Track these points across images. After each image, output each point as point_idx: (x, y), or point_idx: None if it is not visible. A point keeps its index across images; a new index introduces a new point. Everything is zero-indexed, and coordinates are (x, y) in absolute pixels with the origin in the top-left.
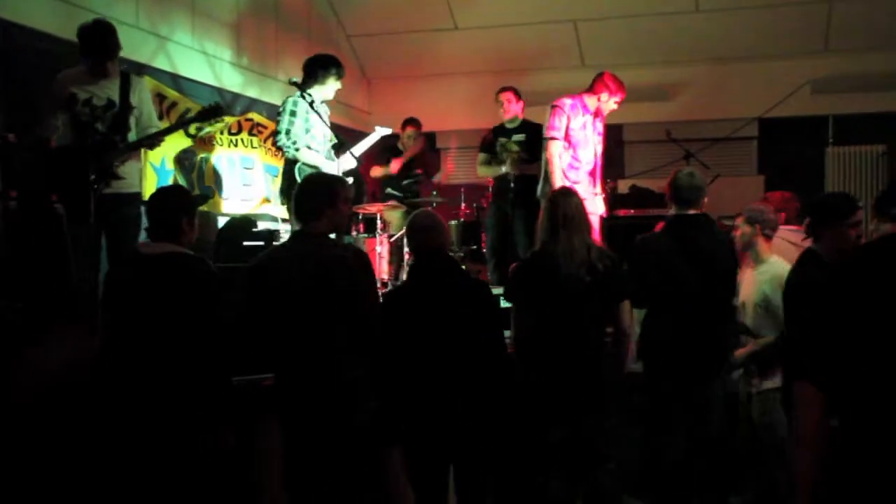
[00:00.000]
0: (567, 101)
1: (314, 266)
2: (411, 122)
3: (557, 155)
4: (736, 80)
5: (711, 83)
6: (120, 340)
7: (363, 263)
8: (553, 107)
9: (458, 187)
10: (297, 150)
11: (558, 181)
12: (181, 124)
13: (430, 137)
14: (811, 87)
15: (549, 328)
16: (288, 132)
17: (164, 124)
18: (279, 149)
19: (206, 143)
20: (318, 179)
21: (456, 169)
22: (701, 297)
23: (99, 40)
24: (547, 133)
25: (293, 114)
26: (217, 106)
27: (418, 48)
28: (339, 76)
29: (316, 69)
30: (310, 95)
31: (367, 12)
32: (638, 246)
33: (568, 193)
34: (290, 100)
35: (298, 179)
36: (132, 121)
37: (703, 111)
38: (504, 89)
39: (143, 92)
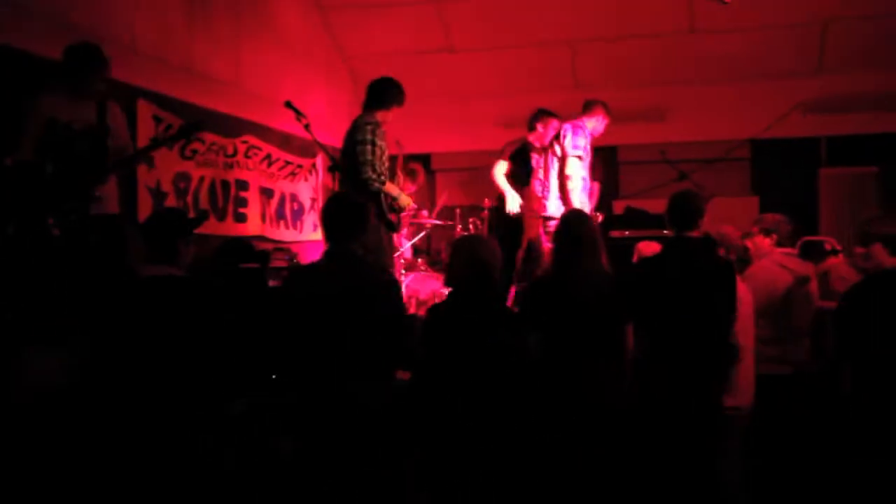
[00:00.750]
0: (584, 122)
1: (348, 286)
2: (413, 173)
3: (578, 174)
4: (729, 100)
5: (705, 104)
6: (116, 362)
7: (395, 288)
8: (575, 126)
9: (454, 209)
10: (382, 183)
11: (576, 200)
12: (158, 143)
13: (426, 159)
14: (804, 108)
15: (563, 349)
16: (373, 165)
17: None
18: (364, 182)
19: (205, 164)
20: (353, 202)
21: (451, 190)
22: (700, 320)
23: (83, 63)
24: (571, 151)
25: (374, 143)
26: (196, 123)
27: (415, 70)
28: (401, 104)
29: (388, 96)
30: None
31: (364, 34)
32: (636, 268)
33: (585, 215)
34: (368, 128)
35: (386, 210)
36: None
37: (697, 132)
38: (552, 114)
39: (117, 115)
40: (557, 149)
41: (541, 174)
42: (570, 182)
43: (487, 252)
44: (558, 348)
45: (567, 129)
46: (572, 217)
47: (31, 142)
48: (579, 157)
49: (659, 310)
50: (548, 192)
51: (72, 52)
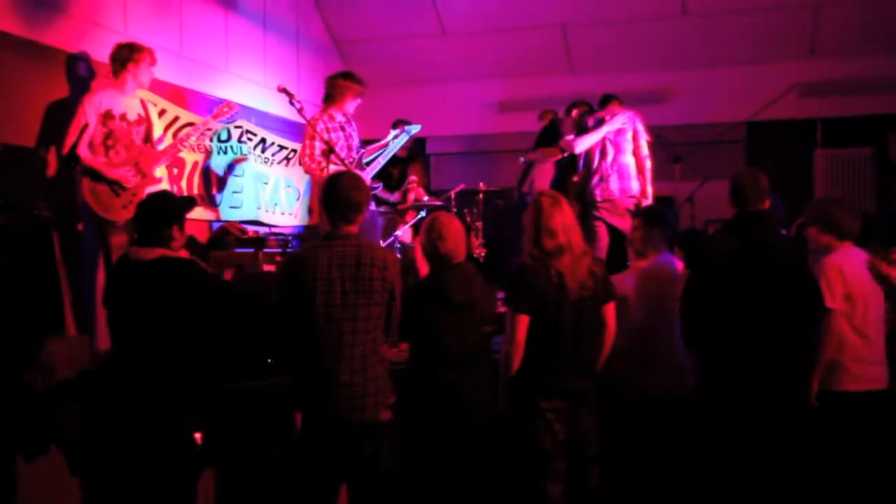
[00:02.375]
0: None
1: (354, 265)
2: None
3: None
4: (724, 83)
5: (700, 87)
6: (118, 346)
7: (398, 267)
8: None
9: (447, 192)
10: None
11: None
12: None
13: (420, 142)
14: (799, 91)
15: (553, 332)
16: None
17: (158, 132)
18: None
19: (198, 149)
20: (359, 184)
21: (445, 174)
22: (771, 297)
23: (129, 60)
24: (644, 135)
25: (312, 138)
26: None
27: (407, 54)
28: (357, 94)
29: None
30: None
31: (355, 18)
32: (701, 250)
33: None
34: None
35: None
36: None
37: (692, 115)
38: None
39: (151, 106)
40: (629, 134)
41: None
42: (647, 162)
43: (434, 230)
44: (550, 328)
45: (635, 118)
46: (563, 203)
47: (78, 131)
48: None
49: (724, 290)
50: (628, 172)
51: (115, 50)
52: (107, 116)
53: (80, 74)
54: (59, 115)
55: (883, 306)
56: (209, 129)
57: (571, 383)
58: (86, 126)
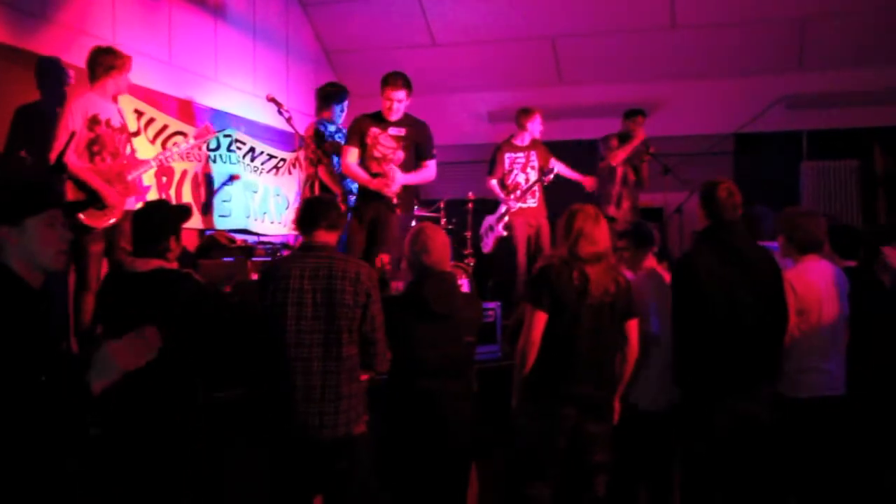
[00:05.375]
0: None
1: (326, 278)
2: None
3: None
4: (712, 95)
5: (688, 99)
6: None
7: (373, 280)
8: None
9: (438, 201)
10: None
11: None
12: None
13: None
14: (786, 103)
15: (570, 335)
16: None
17: (142, 141)
18: None
19: (187, 158)
20: (328, 195)
21: (435, 184)
22: (753, 306)
23: (107, 65)
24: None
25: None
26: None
27: (397, 64)
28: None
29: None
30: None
31: (345, 28)
32: (681, 263)
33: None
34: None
35: None
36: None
37: (680, 126)
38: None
39: (130, 114)
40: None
41: None
42: None
43: (418, 242)
44: (568, 334)
45: None
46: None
47: (65, 135)
48: None
49: (706, 301)
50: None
51: (95, 54)
52: (93, 121)
53: (60, 80)
54: (32, 119)
55: (838, 314)
56: (192, 148)
57: (582, 390)
58: (73, 133)
